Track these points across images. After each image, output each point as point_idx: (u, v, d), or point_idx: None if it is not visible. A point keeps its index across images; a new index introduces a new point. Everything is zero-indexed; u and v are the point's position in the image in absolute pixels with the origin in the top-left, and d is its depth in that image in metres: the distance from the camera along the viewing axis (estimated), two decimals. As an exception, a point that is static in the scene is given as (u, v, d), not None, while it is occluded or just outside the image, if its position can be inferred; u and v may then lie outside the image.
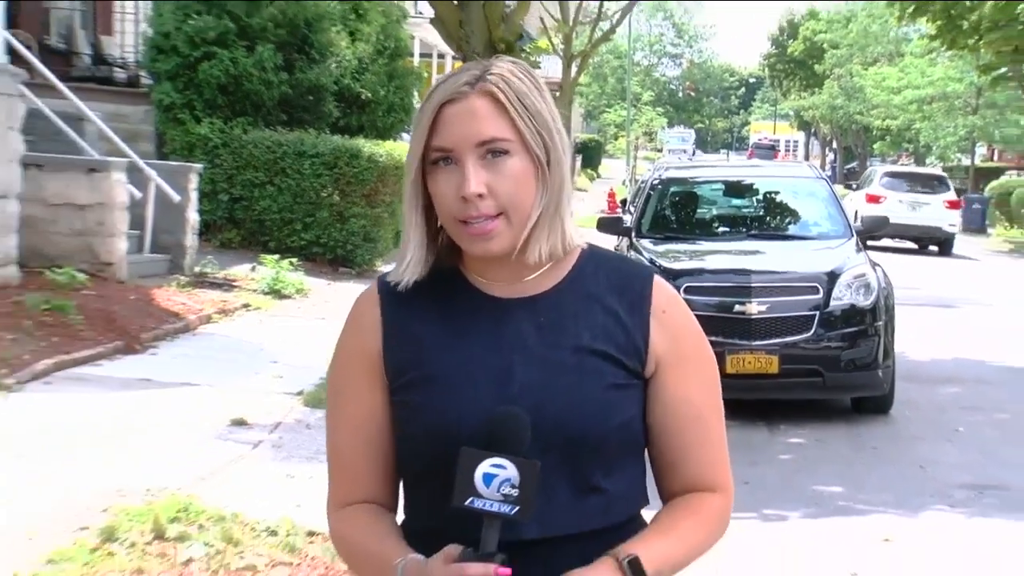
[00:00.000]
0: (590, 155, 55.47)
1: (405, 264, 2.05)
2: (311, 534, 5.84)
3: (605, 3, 27.74)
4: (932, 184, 32.77)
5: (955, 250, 31.04)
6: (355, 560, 2.13)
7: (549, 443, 1.91)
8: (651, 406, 2.03)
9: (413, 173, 2.01)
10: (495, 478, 1.83)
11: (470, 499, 1.83)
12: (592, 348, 1.99)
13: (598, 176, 55.24)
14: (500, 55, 2.10)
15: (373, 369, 2.06)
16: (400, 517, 2.12)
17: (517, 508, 1.83)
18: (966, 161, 52.00)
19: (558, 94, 25.69)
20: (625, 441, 2.01)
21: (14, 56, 12.56)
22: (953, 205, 31.91)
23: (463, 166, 1.93)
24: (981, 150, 52.78)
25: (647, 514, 2.11)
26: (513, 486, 1.83)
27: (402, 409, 2.03)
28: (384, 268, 18.33)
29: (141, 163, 14.09)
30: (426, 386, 1.99)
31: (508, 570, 1.81)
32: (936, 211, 30.68)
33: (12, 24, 13.75)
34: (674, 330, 2.04)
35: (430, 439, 1.96)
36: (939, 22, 32.24)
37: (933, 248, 30.93)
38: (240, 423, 8.07)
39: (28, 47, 14.69)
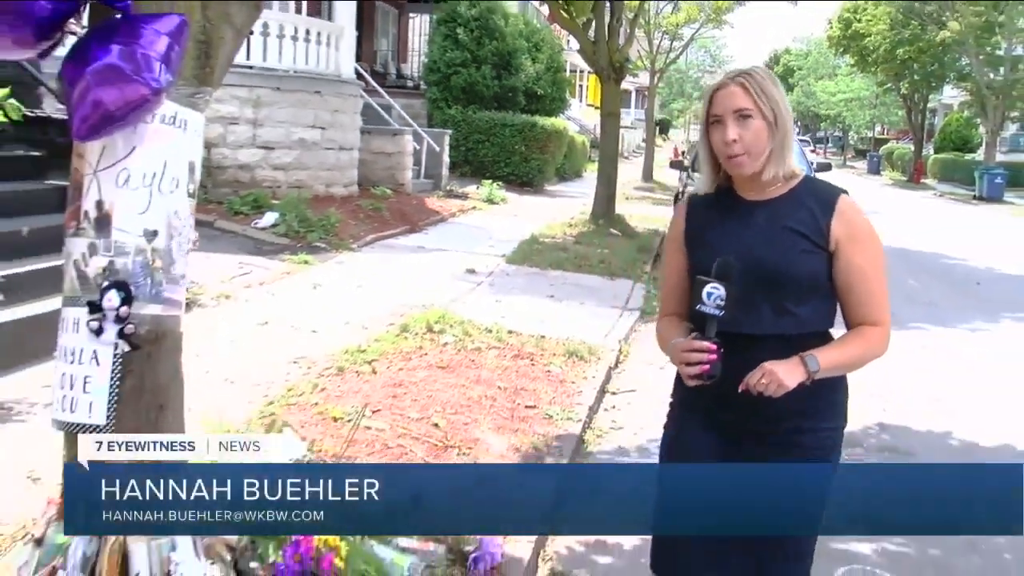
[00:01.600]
0: (664, 126, 53.43)
1: (699, 181, 2.03)
2: (510, 332, 5.67)
3: (673, 42, 26.91)
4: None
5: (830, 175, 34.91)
6: (663, 344, 2.07)
7: (760, 279, 1.84)
8: (834, 271, 1.88)
9: (704, 134, 1.94)
10: (713, 295, 1.80)
11: (698, 306, 1.81)
12: (793, 228, 1.88)
13: (668, 138, 53.09)
14: (755, 65, 1.94)
15: (681, 246, 2.01)
16: None
17: (723, 312, 1.79)
18: (870, 134, 51.08)
19: (647, 93, 24.73)
20: (811, 285, 1.87)
21: (358, 75, 12.47)
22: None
23: (725, 125, 1.87)
24: (878, 128, 50.93)
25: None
26: (722, 299, 1.79)
27: (691, 266, 1.96)
28: (550, 188, 17.98)
29: (420, 130, 13.94)
30: (703, 250, 1.93)
31: (715, 346, 1.80)
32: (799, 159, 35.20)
33: (358, 58, 13.65)
34: (848, 223, 1.88)
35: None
36: (856, 57, 32.64)
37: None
38: (471, 271, 7.92)
39: (365, 70, 14.53)
